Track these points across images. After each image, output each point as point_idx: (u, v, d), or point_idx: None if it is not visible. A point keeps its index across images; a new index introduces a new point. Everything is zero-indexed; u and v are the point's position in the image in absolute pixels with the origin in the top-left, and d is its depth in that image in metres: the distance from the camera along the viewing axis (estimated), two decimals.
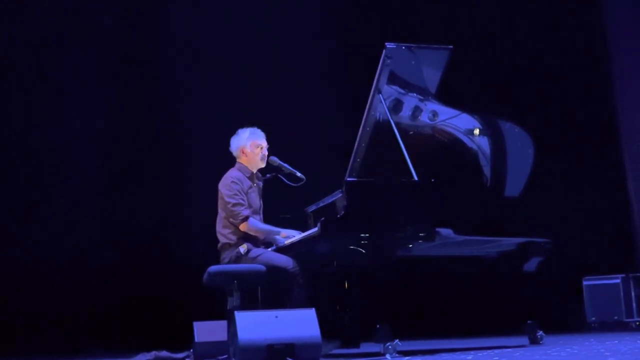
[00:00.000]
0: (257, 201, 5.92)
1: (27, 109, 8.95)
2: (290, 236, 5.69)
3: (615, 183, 8.98)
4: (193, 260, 6.71)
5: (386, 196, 5.36)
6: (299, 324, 4.95)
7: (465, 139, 6.08)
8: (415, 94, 5.90)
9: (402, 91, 5.84)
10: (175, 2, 9.48)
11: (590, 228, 8.79)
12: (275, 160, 5.98)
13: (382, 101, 5.67)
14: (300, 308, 5.16)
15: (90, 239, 8.79)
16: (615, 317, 8.02)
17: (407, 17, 9.43)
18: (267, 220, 5.94)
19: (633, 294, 8.02)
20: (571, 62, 9.18)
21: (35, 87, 8.99)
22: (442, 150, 6.03)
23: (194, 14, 9.40)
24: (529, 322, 6.10)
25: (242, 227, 5.71)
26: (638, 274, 8.14)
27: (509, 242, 6.00)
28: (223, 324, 5.60)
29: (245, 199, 5.77)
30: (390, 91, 5.77)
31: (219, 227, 5.83)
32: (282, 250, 5.68)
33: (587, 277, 8.32)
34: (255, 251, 5.68)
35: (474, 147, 6.07)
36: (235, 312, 4.98)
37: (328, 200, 5.87)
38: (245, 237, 5.73)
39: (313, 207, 6.09)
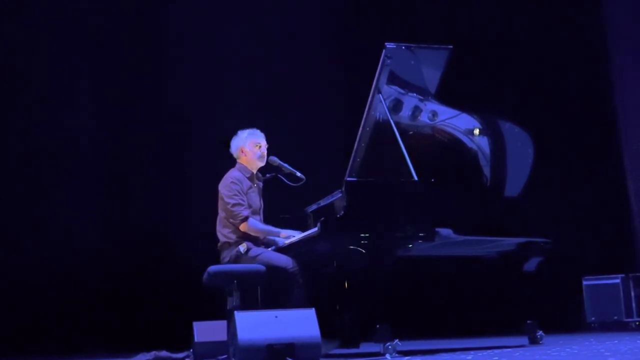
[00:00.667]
0: (257, 201, 5.92)
1: (27, 109, 8.95)
2: (290, 236, 5.69)
3: (615, 183, 8.98)
4: (193, 260, 6.73)
5: (386, 196, 5.36)
6: (299, 324, 4.95)
7: (465, 139, 6.07)
8: (415, 94, 5.89)
9: (402, 91, 5.84)
10: (175, 2, 9.48)
11: (590, 228, 8.79)
12: (275, 160, 5.98)
13: (382, 101, 5.67)
14: (300, 308, 5.16)
15: (90, 239, 8.79)
16: (615, 317, 8.02)
17: (407, 17, 9.42)
18: (267, 220, 5.94)
19: (633, 294, 8.02)
20: (571, 62, 9.18)
21: (35, 87, 8.99)
22: (442, 150, 6.03)
23: (194, 14, 9.40)
24: (528, 322, 6.09)
25: (242, 227, 5.71)
26: (638, 274, 8.14)
27: (509, 242, 5.99)
28: (223, 324, 5.60)
29: (245, 199, 5.77)
30: (390, 91, 5.77)
31: (219, 227, 5.83)
32: (282, 250, 5.68)
33: (587, 277, 8.32)
34: (255, 250, 5.68)
35: (474, 147, 6.07)
36: (235, 312, 4.99)
37: (328, 200, 5.86)
38: (245, 236, 5.74)
39: (313, 207, 6.07)
